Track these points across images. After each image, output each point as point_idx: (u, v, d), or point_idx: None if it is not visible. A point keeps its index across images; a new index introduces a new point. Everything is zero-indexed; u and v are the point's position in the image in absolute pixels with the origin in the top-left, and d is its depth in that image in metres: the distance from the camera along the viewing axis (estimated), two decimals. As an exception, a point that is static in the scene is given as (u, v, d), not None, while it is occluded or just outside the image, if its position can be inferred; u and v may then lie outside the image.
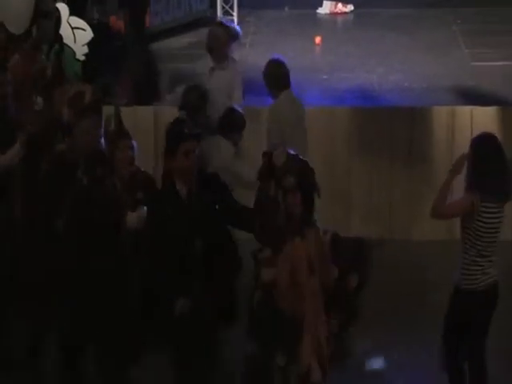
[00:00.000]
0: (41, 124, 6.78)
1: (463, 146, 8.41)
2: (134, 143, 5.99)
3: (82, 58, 9.53)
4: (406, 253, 8.34)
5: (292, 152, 5.39)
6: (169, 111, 8.85)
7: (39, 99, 7.37)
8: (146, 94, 10.13)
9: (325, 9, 12.93)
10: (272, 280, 5.31)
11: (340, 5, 12.93)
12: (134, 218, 5.65)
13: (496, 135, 6.40)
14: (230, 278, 5.86)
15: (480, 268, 5.44)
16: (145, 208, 5.70)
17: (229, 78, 8.25)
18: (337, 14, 12.97)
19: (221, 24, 8.54)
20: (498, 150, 5.91)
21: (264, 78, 8.09)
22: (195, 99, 7.65)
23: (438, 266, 7.79)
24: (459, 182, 5.55)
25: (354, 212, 8.88)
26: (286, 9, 12.76)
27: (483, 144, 6.01)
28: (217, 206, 5.55)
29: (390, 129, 8.70)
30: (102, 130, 6.24)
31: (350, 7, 12.92)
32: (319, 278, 5.24)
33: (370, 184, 8.92)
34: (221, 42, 8.20)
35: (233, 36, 8.29)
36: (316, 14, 12.85)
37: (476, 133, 8.98)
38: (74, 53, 9.48)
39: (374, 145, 8.79)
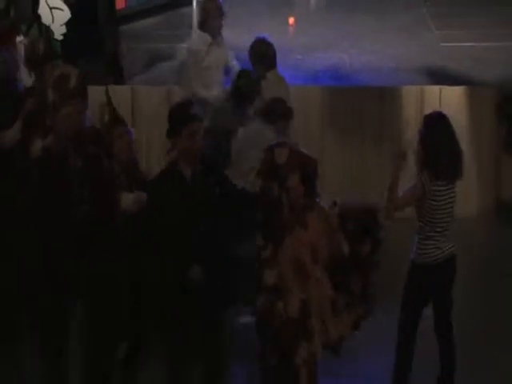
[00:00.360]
0: (35, 102, 6.71)
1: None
2: (131, 129, 6.00)
3: (61, 37, 9.55)
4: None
5: (294, 147, 5.40)
6: (145, 90, 9.04)
7: (32, 75, 7.32)
8: (123, 73, 10.12)
9: None
10: (275, 283, 5.32)
11: None
12: (130, 199, 5.64)
13: (445, 114, 6.52)
14: (235, 261, 5.82)
15: (434, 242, 5.68)
16: (143, 192, 5.71)
17: (225, 55, 8.28)
18: None
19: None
20: (448, 128, 6.07)
21: (250, 58, 7.99)
22: (248, 87, 7.63)
23: (408, 242, 7.96)
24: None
25: (327, 189, 9.04)
26: None
27: (433, 123, 6.17)
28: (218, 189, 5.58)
29: (360, 107, 8.82)
30: (88, 114, 6.24)
31: None
32: (329, 254, 5.25)
33: (343, 161, 9.02)
34: (214, 17, 8.13)
35: (223, 12, 8.23)
36: None
37: (444, 111, 9.39)
38: (53, 32, 9.50)
39: (346, 123, 8.85)
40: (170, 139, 5.40)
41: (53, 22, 9.59)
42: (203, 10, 8.47)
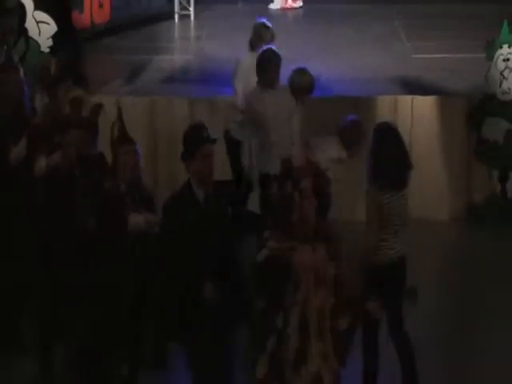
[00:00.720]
0: (45, 119, 6.74)
1: (405, 132, 8.41)
2: (139, 148, 5.97)
3: (47, 50, 9.61)
4: (349, 232, 8.55)
5: (313, 158, 5.44)
6: (130, 101, 9.10)
7: (44, 96, 7.33)
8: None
9: (276, 4, 13.16)
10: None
11: (290, 0, 13.22)
12: (141, 221, 5.64)
13: (394, 125, 6.65)
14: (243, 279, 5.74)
15: (388, 244, 5.82)
16: (153, 213, 5.74)
17: None
18: (287, 9, 13.24)
19: (265, 25, 8.74)
20: (396, 140, 6.17)
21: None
22: (306, 82, 7.81)
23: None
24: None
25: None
26: (240, 4, 13.08)
27: (382, 135, 6.29)
28: (230, 211, 5.61)
29: (336, 117, 8.64)
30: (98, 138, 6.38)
31: (300, 3, 13.23)
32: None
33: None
34: (267, 42, 8.40)
35: (273, 37, 8.48)
36: (268, 9, 13.03)
37: (416, 120, 9.43)
38: (39, 45, 9.58)
39: (322, 131, 8.62)
40: (185, 162, 5.35)
41: (39, 35, 9.69)
42: (257, 34, 8.61)
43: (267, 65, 7.91)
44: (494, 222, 9.04)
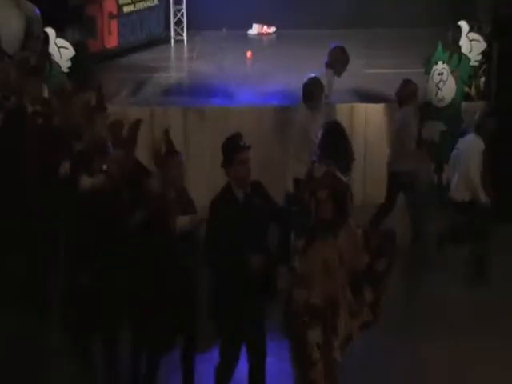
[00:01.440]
0: (87, 145, 6.53)
1: (360, 133, 9.55)
2: (183, 157, 5.87)
3: (67, 70, 9.87)
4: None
5: (331, 169, 5.34)
6: (134, 110, 9.13)
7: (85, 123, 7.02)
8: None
9: (254, 30, 13.58)
10: (302, 272, 5.17)
11: (265, 27, 13.57)
12: (187, 221, 5.54)
13: (340, 123, 7.15)
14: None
15: None
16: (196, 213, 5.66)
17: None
18: (263, 34, 13.63)
19: (343, 48, 8.79)
20: (340, 134, 6.79)
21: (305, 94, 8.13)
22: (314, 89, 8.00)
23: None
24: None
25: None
26: (224, 30, 13.35)
27: (329, 131, 6.83)
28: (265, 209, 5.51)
29: None
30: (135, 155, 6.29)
31: (273, 29, 13.62)
32: (352, 264, 5.18)
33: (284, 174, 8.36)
34: (342, 63, 8.62)
35: (349, 60, 8.72)
36: (247, 34, 13.49)
37: (369, 123, 9.90)
38: (60, 67, 9.81)
39: (291, 135, 8.55)
40: (224, 168, 5.32)
41: (60, 58, 9.95)
42: (334, 56, 8.64)
43: (314, 89, 8.04)
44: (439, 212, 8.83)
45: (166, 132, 5.70)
